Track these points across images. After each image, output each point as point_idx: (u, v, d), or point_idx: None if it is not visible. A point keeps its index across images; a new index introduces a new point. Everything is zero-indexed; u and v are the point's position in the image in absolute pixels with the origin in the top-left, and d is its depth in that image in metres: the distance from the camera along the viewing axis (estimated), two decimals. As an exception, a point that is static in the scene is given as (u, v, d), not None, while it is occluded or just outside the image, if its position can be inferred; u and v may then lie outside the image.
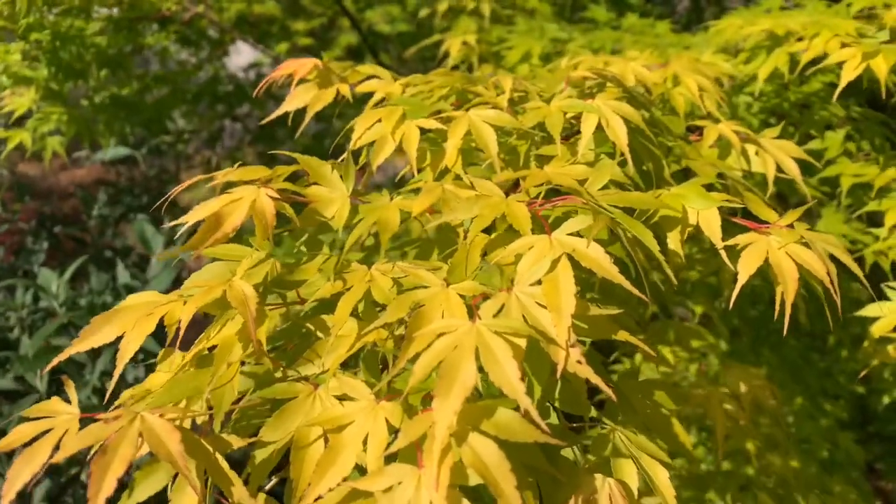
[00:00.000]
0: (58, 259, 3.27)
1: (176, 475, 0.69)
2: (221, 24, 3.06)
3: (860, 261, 1.73)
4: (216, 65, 3.41)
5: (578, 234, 0.73)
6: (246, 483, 0.71)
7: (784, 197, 1.88)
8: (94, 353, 2.12)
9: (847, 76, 1.29)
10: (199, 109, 3.61)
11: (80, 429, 0.65)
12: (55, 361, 0.73)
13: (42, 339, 2.03)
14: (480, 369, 0.62)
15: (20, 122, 2.24)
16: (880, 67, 1.29)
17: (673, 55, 1.28)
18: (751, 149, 1.09)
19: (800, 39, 1.48)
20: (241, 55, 4.54)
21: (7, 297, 2.55)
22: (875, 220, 1.67)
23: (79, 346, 0.72)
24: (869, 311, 1.35)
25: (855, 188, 1.64)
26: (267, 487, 0.80)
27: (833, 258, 0.79)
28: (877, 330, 1.29)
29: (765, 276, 1.67)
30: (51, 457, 0.63)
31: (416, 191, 0.87)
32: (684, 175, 1.05)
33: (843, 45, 1.37)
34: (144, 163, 4.07)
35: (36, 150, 2.24)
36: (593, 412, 0.76)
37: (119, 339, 0.74)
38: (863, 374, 1.20)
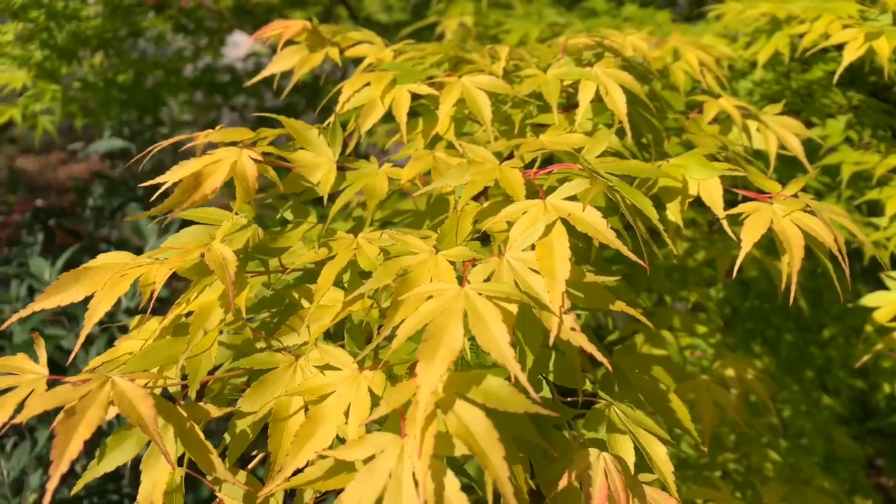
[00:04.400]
0: (53, 252, 3.23)
1: (147, 445, 0.66)
2: (220, 12, 3.02)
3: (859, 254, 1.70)
4: (213, 53, 3.37)
5: (575, 200, 0.70)
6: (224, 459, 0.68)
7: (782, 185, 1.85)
8: (88, 341, 2.08)
9: (849, 56, 1.26)
10: (195, 99, 3.57)
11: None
12: (11, 320, 0.69)
13: (34, 323, 1.99)
14: (471, 339, 0.58)
15: (12, 100, 2.19)
16: (883, 48, 1.26)
17: (673, 32, 1.25)
18: (752, 125, 1.06)
19: (801, 23, 1.45)
20: (240, 48, 4.50)
21: (1, 290, 2.51)
22: (875, 212, 1.64)
23: (43, 303, 0.68)
24: (869, 300, 1.32)
25: (855, 179, 1.61)
26: (251, 466, 0.77)
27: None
28: (880, 317, 1.27)
29: (760, 266, 1.64)
30: (12, 417, 0.59)
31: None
32: (685, 151, 1.02)
33: (845, 27, 1.34)
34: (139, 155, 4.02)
35: (31, 144, 2.19)
36: (588, 386, 0.73)
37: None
38: (865, 359, 1.17)
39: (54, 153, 4.74)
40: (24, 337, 2.02)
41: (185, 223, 0.80)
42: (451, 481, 0.51)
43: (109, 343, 2.07)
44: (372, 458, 0.55)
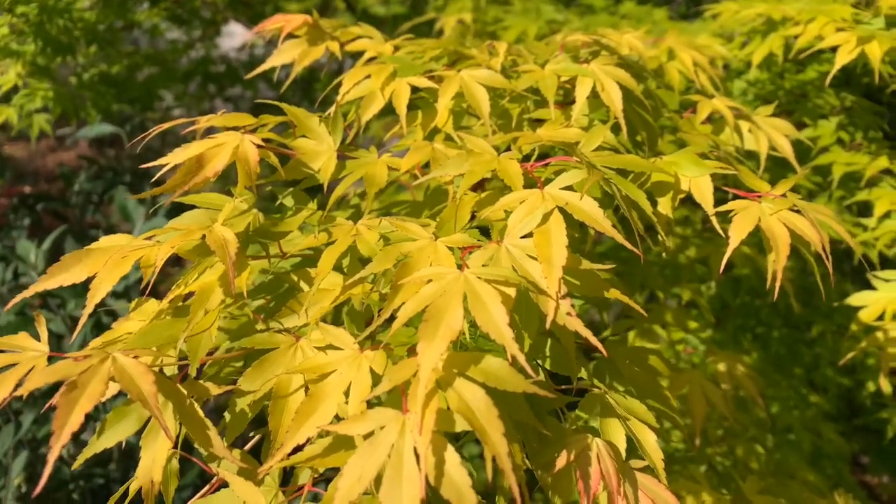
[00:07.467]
0: (39, 236, 3.23)
1: (147, 422, 0.67)
2: (214, 3, 3.02)
3: (849, 254, 1.72)
4: (208, 44, 3.37)
5: (571, 190, 0.71)
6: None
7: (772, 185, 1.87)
8: (73, 323, 2.08)
9: (841, 60, 1.29)
10: (189, 89, 3.56)
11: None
12: (17, 298, 0.70)
13: (19, 306, 1.99)
14: (472, 324, 0.60)
15: (6, 98, 2.18)
16: (874, 52, 1.28)
17: (669, 31, 1.27)
18: (744, 125, 1.08)
19: (796, 24, 1.47)
20: (235, 38, 4.49)
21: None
22: (865, 212, 1.66)
23: (47, 283, 0.69)
24: (855, 300, 1.35)
25: (846, 180, 1.64)
26: (247, 447, 0.78)
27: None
28: (865, 316, 1.29)
29: (751, 264, 1.67)
30: (13, 392, 0.60)
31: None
32: (678, 149, 1.04)
33: (839, 30, 1.37)
34: (128, 141, 4.02)
35: (22, 130, 2.20)
36: (582, 374, 0.75)
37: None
38: (849, 356, 1.20)
39: (44, 140, 4.71)
40: (10, 319, 2.01)
41: (175, 207, 0.81)
42: (452, 455, 0.53)
43: (95, 325, 2.08)
44: (373, 433, 0.56)
